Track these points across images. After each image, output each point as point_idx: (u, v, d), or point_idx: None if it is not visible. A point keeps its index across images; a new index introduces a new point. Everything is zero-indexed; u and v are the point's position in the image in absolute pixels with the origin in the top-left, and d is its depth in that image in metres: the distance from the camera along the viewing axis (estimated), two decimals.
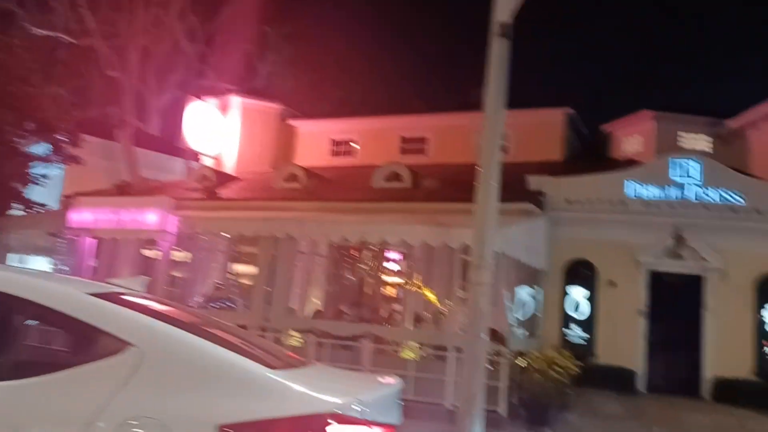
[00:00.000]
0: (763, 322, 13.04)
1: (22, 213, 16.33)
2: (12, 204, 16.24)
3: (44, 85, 16.92)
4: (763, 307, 13.08)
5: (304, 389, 2.72)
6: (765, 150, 15.81)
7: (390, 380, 3.28)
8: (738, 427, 10.95)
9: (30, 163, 16.29)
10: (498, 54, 7.95)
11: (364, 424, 2.69)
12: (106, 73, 24.67)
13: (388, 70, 28.48)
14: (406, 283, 13.94)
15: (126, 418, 2.47)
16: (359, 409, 2.68)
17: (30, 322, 3.13)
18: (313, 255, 15.21)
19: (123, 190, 16.48)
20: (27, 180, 16.18)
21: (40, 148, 17.31)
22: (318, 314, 13.20)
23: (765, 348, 12.93)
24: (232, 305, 14.03)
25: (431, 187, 14.18)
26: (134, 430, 2.46)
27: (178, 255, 14.51)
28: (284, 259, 12.07)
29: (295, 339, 11.13)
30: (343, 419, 2.62)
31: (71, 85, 25.43)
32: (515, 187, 12.98)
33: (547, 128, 18.07)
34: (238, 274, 16.72)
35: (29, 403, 2.57)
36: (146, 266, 15.04)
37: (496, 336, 10.28)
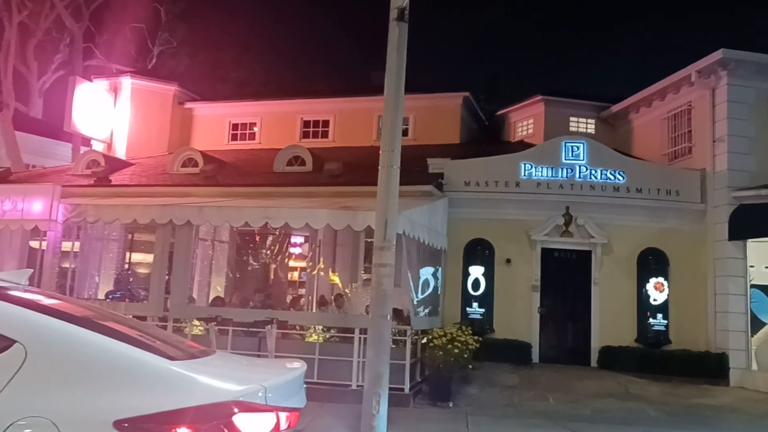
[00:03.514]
0: (644, 293, 14.06)
1: None
2: None
3: None
4: (643, 279, 14.10)
5: (206, 379, 2.68)
6: (644, 132, 16.95)
7: (294, 364, 3.29)
8: (622, 391, 11.80)
9: None
10: (396, 38, 8.03)
11: (268, 410, 2.69)
12: None
13: (290, 52, 28.06)
14: (311, 266, 13.91)
15: (13, 419, 2.35)
16: (263, 395, 2.68)
17: None
18: (214, 242, 14.85)
19: (4, 178, 15.35)
20: None
21: None
22: (217, 301, 12.91)
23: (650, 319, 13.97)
24: (130, 296, 13.46)
25: (334, 170, 14.18)
26: (22, 430, 2.34)
27: (69, 245, 13.72)
28: (183, 246, 11.70)
29: (197, 328, 10.86)
30: (247, 407, 2.60)
31: None
32: (416, 169, 13.24)
33: (446, 112, 18.47)
34: (135, 264, 16.05)
35: None
36: (32, 258, 14.12)
37: (399, 316, 10.51)
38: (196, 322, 11.01)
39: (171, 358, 2.76)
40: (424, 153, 14.70)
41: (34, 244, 14.22)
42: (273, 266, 15.74)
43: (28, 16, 23.24)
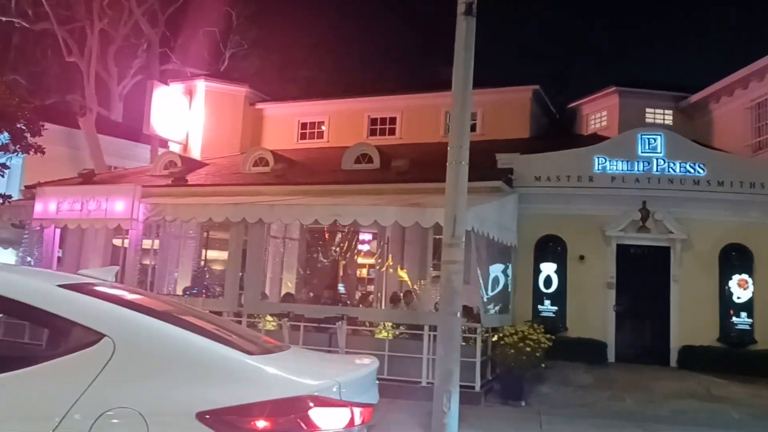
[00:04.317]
0: (727, 290, 13.42)
1: None
2: None
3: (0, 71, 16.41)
4: (726, 275, 13.45)
5: (283, 373, 2.72)
6: (725, 123, 16.16)
7: (367, 361, 3.30)
8: (703, 391, 11.30)
9: None
10: (464, 32, 7.95)
11: (343, 405, 2.71)
12: (65, 58, 24.06)
13: (357, 51, 28.28)
14: (380, 263, 13.99)
15: (102, 410, 2.44)
16: (338, 391, 2.70)
17: (1, 317, 3.06)
18: (285, 239, 15.14)
19: (88, 179, 16.14)
20: None
21: None
22: (288, 297, 13.17)
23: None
24: (206, 292, 13.92)
25: (401, 167, 14.18)
26: (111, 420, 2.44)
27: (148, 243, 14.31)
28: (256, 243, 12.00)
29: (270, 323, 11.10)
30: (322, 401, 2.63)
31: (28, 71, 24.80)
32: (485, 165, 13.07)
33: (515, 106, 18.18)
34: (210, 261, 16.58)
35: (2, 398, 2.52)
36: (115, 256, 14.82)
37: (469, 313, 10.42)
38: (269, 318, 11.26)
39: (249, 353, 2.82)
40: (493, 148, 14.51)
41: (117, 242, 14.92)
42: (342, 263, 15.93)
43: (108, 24, 24.33)
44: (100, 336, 2.61)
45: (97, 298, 2.87)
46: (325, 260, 15.83)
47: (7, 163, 16.46)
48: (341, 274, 16.07)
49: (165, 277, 14.78)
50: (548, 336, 10.93)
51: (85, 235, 14.81)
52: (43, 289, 2.83)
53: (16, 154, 16.72)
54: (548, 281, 13.92)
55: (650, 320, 13.80)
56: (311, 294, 13.78)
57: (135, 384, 2.53)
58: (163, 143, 21.01)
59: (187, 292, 13.94)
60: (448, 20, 8.31)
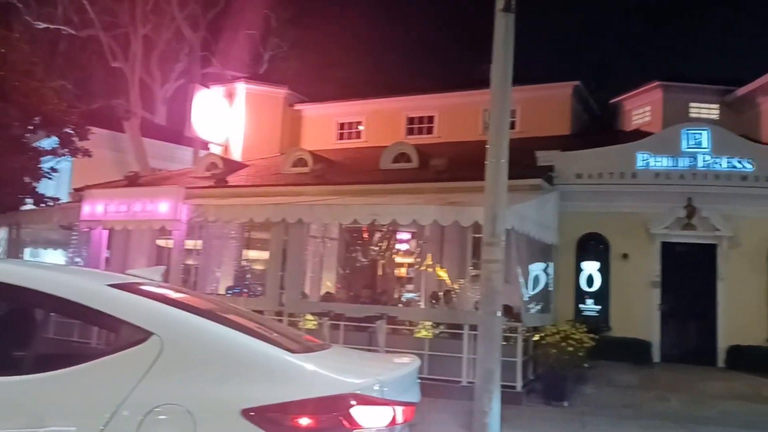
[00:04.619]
0: None
1: (34, 207, 16.44)
2: (24, 199, 16.35)
3: (48, 78, 16.96)
4: None
5: (325, 371, 2.75)
6: None
7: (408, 360, 3.31)
8: (752, 393, 10.97)
9: (40, 158, 16.36)
10: (503, 29, 7.89)
11: (385, 404, 2.72)
12: (110, 64, 24.70)
13: (394, 50, 28.31)
14: (419, 263, 13.98)
15: (151, 406, 2.51)
16: (380, 389, 2.72)
17: (53, 315, 3.17)
18: (324, 239, 15.25)
19: (133, 181, 16.54)
20: (37, 174, 16.27)
21: (47, 142, 17.38)
22: (328, 297, 13.26)
23: None
24: (247, 291, 14.12)
25: (440, 166, 14.14)
26: (159, 417, 2.50)
27: (191, 243, 14.59)
28: (296, 243, 12.13)
29: (310, 322, 11.20)
30: (364, 399, 2.65)
31: (75, 77, 25.52)
32: (525, 162, 12.93)
33: (555, 102, 17.95)
34: (251, 260, 16.80)
35: (54, 395, 2.60)
36: (160, 256, 15.15)
37: (510, 312, 10.33)
38: (309, 317, 11.37)
39: (292, 351, 2.85)
40: (533, 145, 14.35)
41: (161, 242, 15.25)
42: (381, 262, 15.97)
43: (151, 29, 24.87)
44: (148, 334, 2.68)
45: (145, 297, 2.94)
46: (364, 259, 15.89)
47: (56, 167, 17.00)
48: (380, 273, 16.11)
49: (208, 276, 15.02)
50: (591, 335, 10.77)
51: (131, 236, 15.17)
52: (93, 289, 2.92)
53: (64, 157, 17.28)
54: (590, 280, 13.70)
55: (696, 319, 13.45)
56: (351, 293, 13.85)
57: (182, 381, 2.58)
58: (205, 145, 21.38)
59: (230, 291, 14.17)
60: (485, 17, 8.25)
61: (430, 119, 19.22)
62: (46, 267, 3.38)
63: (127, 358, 2.66)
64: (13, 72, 14.16)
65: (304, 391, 2.60)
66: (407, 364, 3.21)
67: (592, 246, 13.80)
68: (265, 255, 14.86)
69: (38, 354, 2.95)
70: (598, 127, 19.27)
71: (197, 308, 3.06)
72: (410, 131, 19.21)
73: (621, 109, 19.00)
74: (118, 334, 2.77)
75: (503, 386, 7.68)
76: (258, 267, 16.56)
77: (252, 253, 16.91)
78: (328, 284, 15.19)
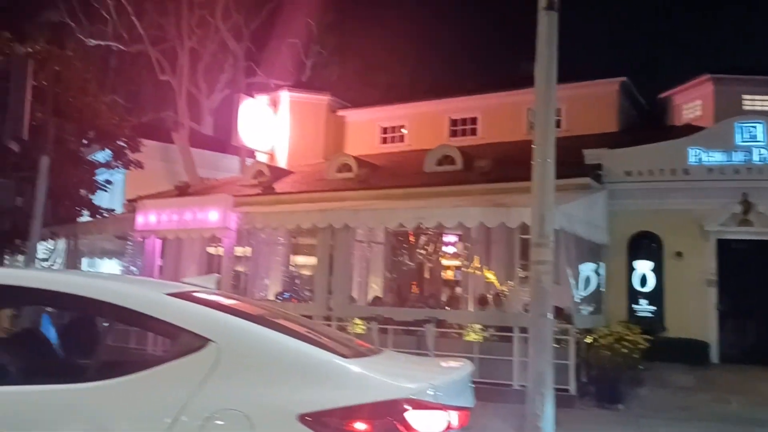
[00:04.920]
0: None
1: (90, 219, 17.01)
2: (81, 210, 16.94)
3: (100, 93, 17.53)
4: None
5: (379, 376, 2.76)
6: None
7: (461, 364, 3.30)
8: None
9: (95, 171, 16.94)
10: (546, 27, 7.81)
11: (439, 408, 2.72)
12: (158, 77, 25.37)
13: (435, 53, 28.26)
14: (465, 265, 13.91)
15: (210, 412, 2.56)
16: (434, 394, 2.71)
17: (114, 324, 3.27)
18: (370, 243, 15.32)
19: (183, 191, 16.94)
20: (93, 187, 16.84)
21: (101, 155, 17.97)
22: (376, 301, 13.31)
23: None
24: (296, 297, 14.29)
25: (484, 167, 14.04)
26: (218, 422, 2.55)
27: (240, 250, 14.86)
28: (342, 248, 12.22)
29: (359, 327, 11.26)
30: (419, 404, 2.65)
31: (126, 91, 26.30)
32: (572, 161, 12.71)
33: (601, 99, 17.61)
34: (298, 266, 17.00)
35: (116, 402, 2.67)
36: (210, 263, 15.46)
37: (561, 314, 10.18)
38: (358, 321, 11.43)
39: (345, 356, 2.88)
40: (579, 144, 14.10)
41: (211, 250, 15.57)
42: (427, 265, 15.94)
43: (197, 42, 25.45)
44: (206, 341, 2.73)
45: (202, 305, 3.01)
46: (410, 263, 15.89)
47: (111, 179, 17.56)
48: (427, 276, 16.08)
49: (257, 282, 15.27)
50: (645, 336, 10.52)
51: (182, 245, 15.54)
52: (152, 298, 3.00)
53: (117, 169, 17.84)
54: (643, 280, 13.38)
55: (756, 318, 12.97)
56: (398, 297, 13.87)
57: (239, 387, 2.63)
58: (251, 154, 21.74)
59: (279, 297, 14.36)
60: (528, 15, 8.18)
61: (473, 120, 19.11)
62: (107, 277, 3.50)
63: (186, 364, 2.72)
64: (68, 89, 14.69)
65: (359, 396, 2.61)
66: (461, 368, 3.19)
67: (645, 245, 13.47)
68: (312, 260, 15.03)
69: (100, 361, 3.06)
70: (647, 123, 18.82)
71: (252, 315, 3.12)
72: (453, 133, 19.13)
73: (670, 104, 18.51)
74: (177, 342, 2.84)
75: (555, 389, 7.57)
76: (305, 272, 16.75)
77: (299, 259, 17.12)
78: (375, 288, 15.25)
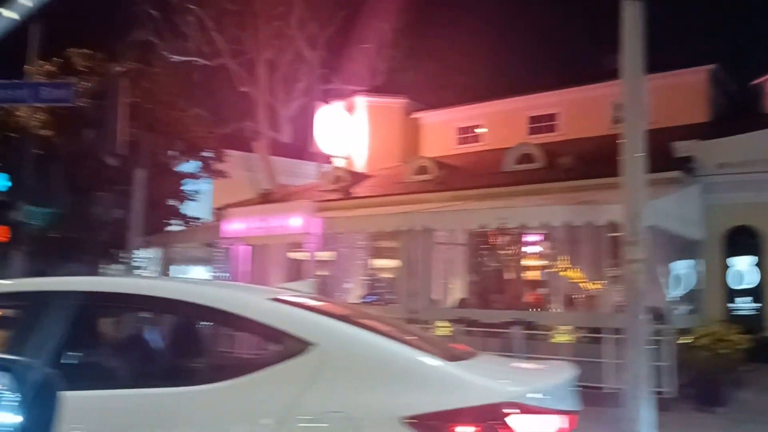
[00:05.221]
0: None
1: (180, 227, 17.77)
2: (171, 220, 17.72)
3: (186, 107, 18.30)
4: None
5: (481, 379, 2.73)
6: None
7: (563, 366, 3.22)
8: None
9: (182, 181, 17.69)
10: (631, 18, 7.54)
11: (544, 413, 2.66)
12: (238, 89, 26.20)
13: (510, 50, 27.83)
14: (550, 265, 13.60)
15: (316, 414, 2.60)
16: (538, 397, 2.66)
17: (219, 329, 3.38)
18: (451, 245, 15.22)
19: (266, 198, 17.43)
20: (182, 197, 17.59)
21: (188, 166, 18.74)
22: (462, 303, 13.22)
23: None
24: (379, 299, 14.39)
25: (567, 164, 13.70)
26: (324, 424, 2.58)
27: (322, 254, 15.11)
28: (423, 251, 12.21)
29: (443, 329, 11.21)
30: (522, 408, 2.60)
31: (208, 104, 27.31)
32: (660, 154, 12.18)
33: (689, 89, 16.84)
34: (379, 269, 17.11)
35: (225, 405, 2.75)
36: (294, 268, 15.80)
37: (655, 314, 9.78)
38: (442, 323, 11.36)
39: (445, 359, 2.86)
40: (667, 136, 13.53)
41: (294, 255, 15.91)
42: (510, 266, 15.69)
43: (273, 53, 26.12)
44: (309, 344, 2.78)
45: (303, 309, 3.08)
46: (492, 264, 15.69)
47: (198, 189, 18.30)
48: (510, 277, 15.82)
49: (339, 286, 15.48)
50: (746, 336, 9.95)
51: (267, 251, 15.96)
52: (257, 303, 3.09)
53: (204, 179, 18.57)
54: (743, 276, 12.67)
55: None
56: (481, 299, 13.73)
57: (344, 390, 2.66)
58: (328, 159, 22.10)
59: (363, 300, 14.49)
60: (607, 5, 7.92)
61: (553, 117, 18.69)
62: (211, 284, 3.63)
63: (290, 368, 2.77)
64: (158, 104, 15.42)
65: (462, 399, 2.59)
66: (564, 371, 3.12)
67: (743, 240, 12.76)
68: (392, 263, 15.09)
69: (207, 365, 3.17)
70: (739, 111, 17.84)
71: (352, 318, 3.16)
72: (532, 130, 18.76)
73: (764, 91, 17.48)
74: (281, 345, 2.90)
75: (653, 392, 7.28)
76: (386, 275, 16.84)
77: (379, 262, 17.22)
78: (457, 290, 15.14)
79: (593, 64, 19.34)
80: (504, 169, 15.05)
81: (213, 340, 3.42)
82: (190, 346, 3.35)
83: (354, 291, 15.76)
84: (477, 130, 20.13)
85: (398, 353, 2.81)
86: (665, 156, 12.62)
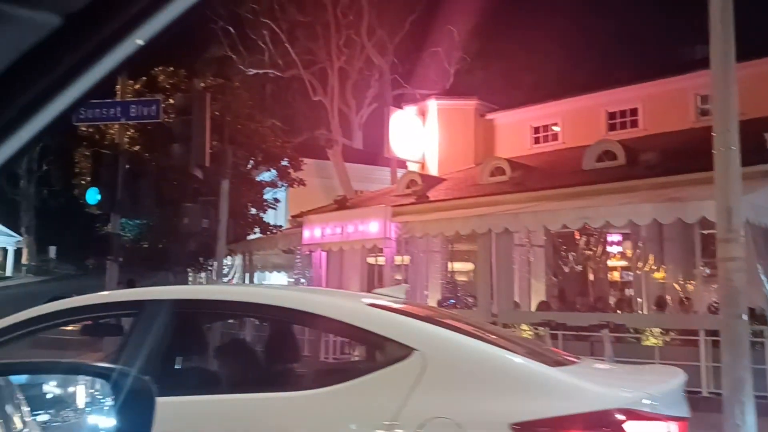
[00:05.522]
0: None
1: (260, 235, 18.27)
2: (253, 228, 18.26)
3: (263, 118, 18.83)
4: None
5: (591, 385, 2.67)
6: None
7: (673, 371, 3.11)
8: None
9: (262, 190, 18.20)
10: (720, 5, 7.21)
11: (658, 419, 2.57)
12: (311, 98, 26.74)
13: (584, 45, 27.16)
14: (637, 265, 13.14)
15: (422, 420, 2.60)
16: (651, 403, 2.57)
17: (322, 334, 3.45)
18: (530, 246, 14.96)
19: (342, 204, 17.66)
20: (262, 205, 18.09)
21: (266, 176, 19.26)
22: (543, 305, 12.95)
23: None
24: (458, 303, 14.31)
25: (651, 160, 13.19)
26: (430, 431, 2.58)
27: (398, 259, 15.17)
28: (502, 253, 12.06)
29: (526, 332, 11.03)
30: (636, 414, 2.53)
31: (283, 114, 28.01)
32: (752, 146, 11.59)
33: None
34: (456, 272, 17.01)
35: (332, 410, 2.79)
36: (370, 273, 15.93)
37: (753, 315, 9.29)
38: (524, 327, 11.18)
39: (551, 365, 2.81)
40: (759, 127, 12.83)
41: (370, 260, 16.04)
42: (593, 267, 15.26)
43: (345, 61, 26.53)
44: (411, 350, 2.78)
45: (403, 315, 3.09)
46: (573, 265, 15.30)
47: (277, 197, 18.77)
48: (593, 278, 15.39)
49: (417, 290, 15.48)
50: None
51: (344, 256, 16.16)
52: (357, 309, 3.13)
53: (282, 188, 19.04)
54: None
55: None
56: (563, 301, 13.42)
57: (448, 395, 2.65)
58: (402, 164, 22.18)
59: (442, 304, 14.45)
60: None
61: (633, 112, 18.04)
62: (310, 290, 3.71)
63: (393, 374, 2.78)
64: (237, 117, 15.94)
65: (573, 406, 2.53)
66: (674, 376, 3.01)
67: None
68: (469, 266, 14.98)
69: (308, 371, 3.24)
70: None
71: (451, 324, 3.15)
72: (612, 127, 18.19)
73: None
74: (382, 351, 2.93)
75: (756, 396, 6.91)
76: (462, 279, 16.72)
77: (457, 265, 17.12)
78: (537, 292, 14.86)
79: (674, 55, 18.62)
80: (583, 167, 14.66)
81: (312, 346, 3.49)
82: (290, 352, 3.43)
83: (432, 295, 15.73)
84: (552, 129, 19.70)
85: (504, 359, 2.78)
86: (757, 148, 11.96)
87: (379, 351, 2.97)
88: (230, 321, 3.60)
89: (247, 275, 17.74)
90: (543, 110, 20.05)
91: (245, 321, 3.32)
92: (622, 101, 18.26)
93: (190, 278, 17.57)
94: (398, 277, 15.72)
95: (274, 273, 19.95)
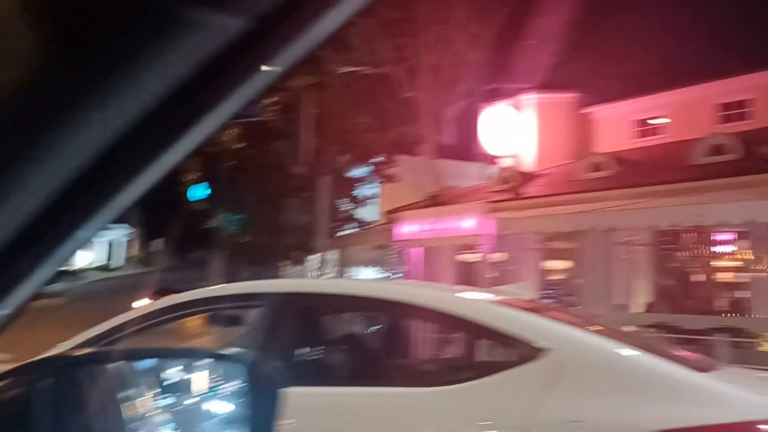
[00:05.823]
0: None
1: (354, 231, 18.51)
2: (346, 224, 18.54)
3: (356, 116, 19.02)
4: None
5: (742, 392, 2.50)
6: None
7: None
8: None
9: (356, 186, 18.43)
10: None
11: None
12: (402, 95, 26.74)
13: (689, 32, 25.71)
14: (754, 266, 12.31)
15: (559, 422, 2.51)
16: None
17: (447, 332, 3.42)
18: (634, 245, 14.34)
19: (436, 201, 17.60)
20: (356, 201, 18.32)
21: (361, 171, 19.48)
22: (650, 307, 12.38)
23: None
24: (559, 302, 13.92)
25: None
26: None
27: (492, 256, 14.92)
28: (605, 251, 11.62)
29: None
30: None
31: (373, 111, 28.24)
32: None
33: None
34: (552, 271, 16.56)
35: (464, 408, 2.74)
36: (461, 271, 15.78)
37: None
38: (628, 329, 10.73)
39: (693, 369, 2.65)
40: None
41: (463, 257, 15.91)
42: (704, 267, 14.43)
43: (435, 57, 26.35)
44: (542, 350, 2.70)
45: (532, 313, 3.01)
46: (683, 265, 14.53)
47: (371, 194, 18.95)
48: (701, 279, 14.56)
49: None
50: None
51: (436, 252, 16.11)
52: (486, 306, 3.07)
53: (374, 183, 19.20)
54: None
55: None
56: (671, 302, 12.77)
57: (584, 398, 2.55)
58: (494, 159, 21.80)
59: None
60: None
61: (745, 103, 16.95)
62: (433, 287, 3.68)
63: (523, 373, 2.71)
64: (332, 115, 16.20)
65: (722, 415, 2.38)
66: None
67: None
68: (566, 264, 14.52)
69: (435, 367, 3.21)
70: None
71: (578, 322, 3.04)
72: (723, 119, 17.15)
73: None
74: (512, 350, 2.85)
75: None
76: (558, 277, 16.23)
77: (553, 263, 16.66)
78: (641, 293, 14.22)
79: None
80: (692, 162, 13.89)
81: (438, 343, 3.46)
82: (417, 348, 3.41)
83: (528, 294, 15.39)
84: (656, 122, 18.79)
85: (642, 362, 2.65)
86: None
87: (508, 350, 2.90)
88: (353, 315, 3.63)
89: (343, 270, 17.99)
90: (646, 103, 19.19)
91: (365, 316, 3.38)
92: (734, 91, 17.20)
93: (288, 272, 18.01)
94: (492, 274, 15.46)
95: (366, 268, 20.12)
